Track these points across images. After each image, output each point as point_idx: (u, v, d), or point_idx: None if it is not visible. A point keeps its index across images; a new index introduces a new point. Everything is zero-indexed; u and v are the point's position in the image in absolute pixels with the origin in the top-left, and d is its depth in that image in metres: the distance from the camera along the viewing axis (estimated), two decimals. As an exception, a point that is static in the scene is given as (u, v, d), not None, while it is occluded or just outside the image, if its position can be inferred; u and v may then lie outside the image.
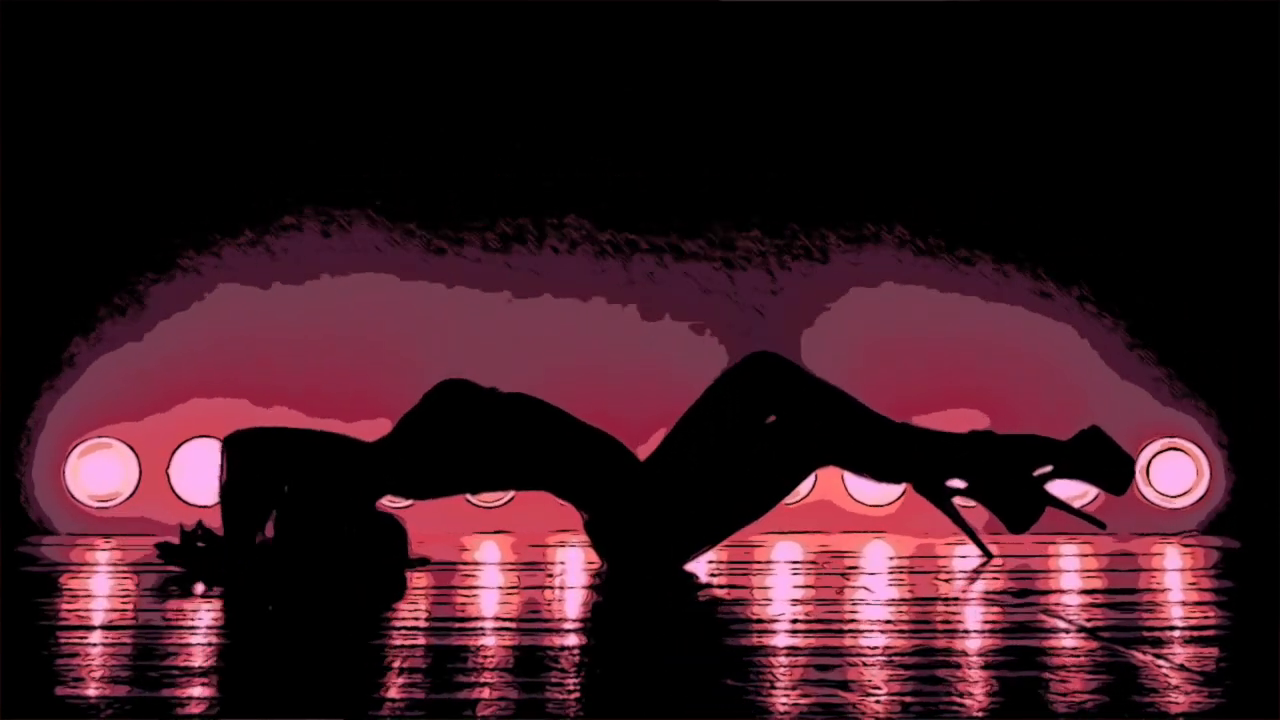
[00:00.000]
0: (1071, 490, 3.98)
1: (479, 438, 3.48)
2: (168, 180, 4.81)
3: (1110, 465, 3.50)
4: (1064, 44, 4.88)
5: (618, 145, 4.88)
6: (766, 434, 3.51)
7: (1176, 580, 3.45)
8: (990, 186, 4.88)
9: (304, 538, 3.42)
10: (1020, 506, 3.49)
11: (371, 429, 4.69)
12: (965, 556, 3.85)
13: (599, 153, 4.88)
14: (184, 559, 3.37)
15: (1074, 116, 4.88)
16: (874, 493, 4.71)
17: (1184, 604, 2.94)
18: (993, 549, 3.69)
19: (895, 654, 2.27)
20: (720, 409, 3.52)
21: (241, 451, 3.41)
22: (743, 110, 4.88)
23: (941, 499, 3.52)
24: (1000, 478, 3.50)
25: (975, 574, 3.47)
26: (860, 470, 3.52)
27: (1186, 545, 4.35)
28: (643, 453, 3.59)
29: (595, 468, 3.49)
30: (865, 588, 3.20)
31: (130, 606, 2.94)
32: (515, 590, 3.20)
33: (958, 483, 3.53)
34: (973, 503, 3.52)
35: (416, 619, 2.77)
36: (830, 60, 4.88)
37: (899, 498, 4.71)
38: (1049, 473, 3.50)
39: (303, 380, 4.79)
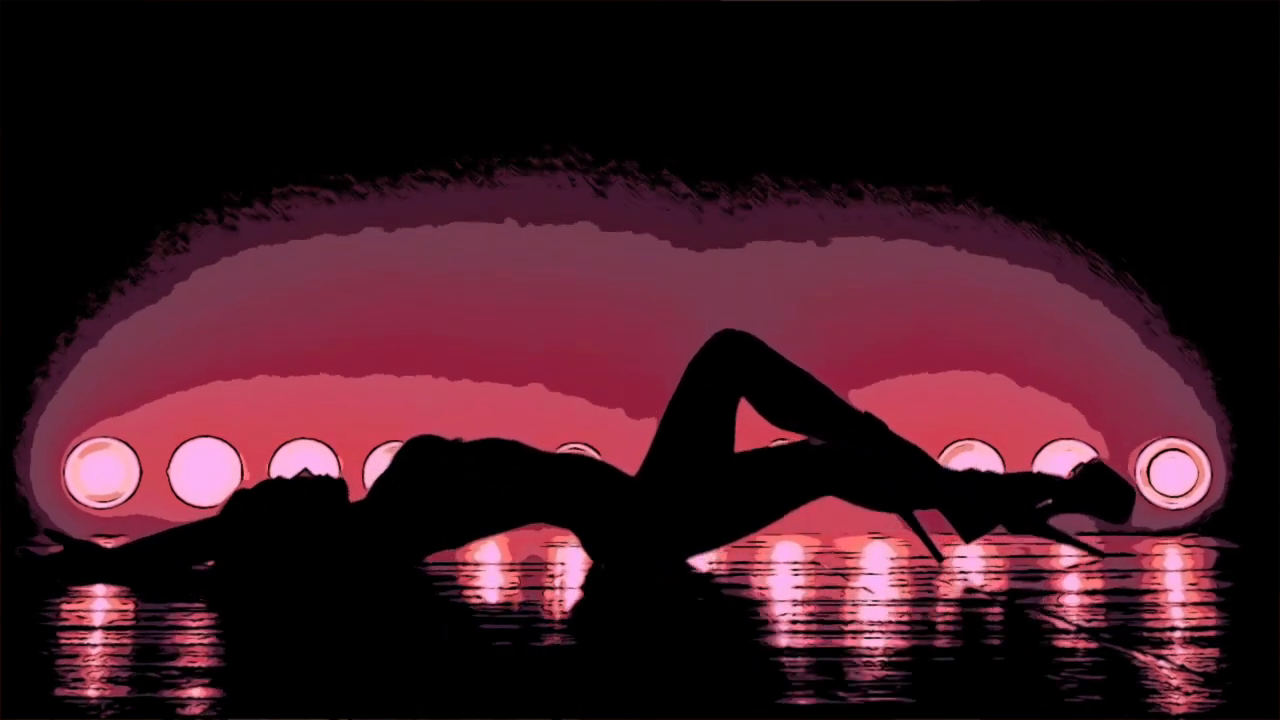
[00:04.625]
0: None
1: (453, 492, 3.42)
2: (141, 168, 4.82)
3: (1111, 496, 3.65)
4: (1062, 32, 4.89)
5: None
6: (775, 455, 3.54)
7: (1176, 581, 3.45)
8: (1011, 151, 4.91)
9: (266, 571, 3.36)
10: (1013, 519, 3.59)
11: (381, 383, 4.74)
12: (965, 556, 3.85)
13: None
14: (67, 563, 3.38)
15: (1098, 90, 4.89)
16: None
17: (1184, 604, 2.94)
18: (993, 548, 3.69)
19: (895, 654, 2.27)
20: (694, 398, 3.53)
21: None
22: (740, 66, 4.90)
23: (907, 508, 3.57)
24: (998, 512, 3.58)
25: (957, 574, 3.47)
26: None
27: (1186, 545, 4.35)
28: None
29: (578, 493, 3.48)
30: (865, 588, 3.20)
31: (130, 606, 2.94)
32: (515, 590, 3.20)
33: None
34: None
35: (417, 619, 2.77)
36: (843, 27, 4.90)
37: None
38: (1050, 506, 3.60)
39: (303, 348, 4.80)
